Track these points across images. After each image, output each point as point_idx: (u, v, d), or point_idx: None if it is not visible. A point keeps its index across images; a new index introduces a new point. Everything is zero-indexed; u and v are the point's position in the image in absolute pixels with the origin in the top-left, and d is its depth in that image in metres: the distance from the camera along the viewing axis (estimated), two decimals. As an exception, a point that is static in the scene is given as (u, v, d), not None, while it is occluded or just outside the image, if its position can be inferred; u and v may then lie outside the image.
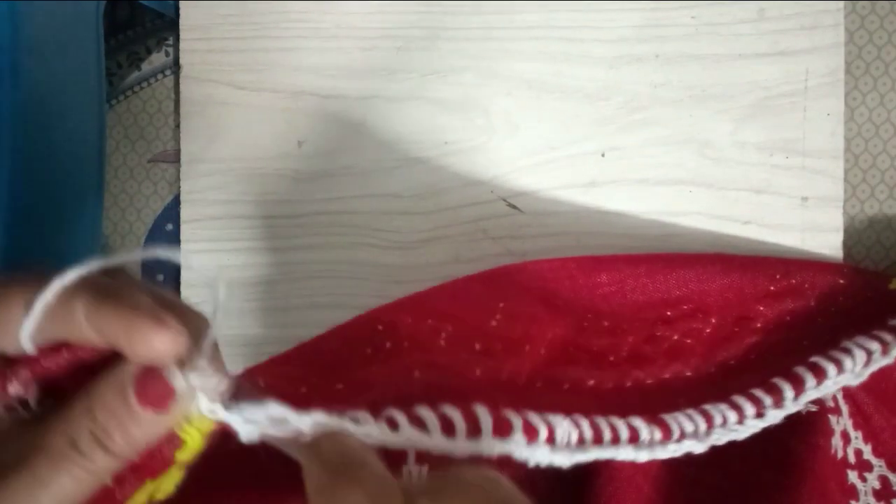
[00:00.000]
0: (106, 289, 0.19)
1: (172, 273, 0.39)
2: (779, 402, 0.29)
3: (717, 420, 0.29)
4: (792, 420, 0.31)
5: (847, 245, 0.37)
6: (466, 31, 0.37)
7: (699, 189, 0.37)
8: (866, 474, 0.33)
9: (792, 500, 0.30)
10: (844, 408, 0.33)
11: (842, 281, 0.34)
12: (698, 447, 0.28)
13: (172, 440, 0.20)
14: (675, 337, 0.33)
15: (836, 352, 0.31)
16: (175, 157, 0.39)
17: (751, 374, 0.31)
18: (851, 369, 0.30)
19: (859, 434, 0.33)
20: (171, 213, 0.39)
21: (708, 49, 0.37)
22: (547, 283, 0.34)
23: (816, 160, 0.37)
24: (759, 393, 0.29)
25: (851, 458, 0.33)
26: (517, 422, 0.24)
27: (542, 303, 0.33)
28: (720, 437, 0.29)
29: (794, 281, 0.34)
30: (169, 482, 0.22)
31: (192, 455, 0.21)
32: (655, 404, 0.29)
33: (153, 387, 0.19)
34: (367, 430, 0.20)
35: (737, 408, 0.29)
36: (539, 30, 0.37)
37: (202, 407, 0.19)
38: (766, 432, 0.31)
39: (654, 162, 0.37)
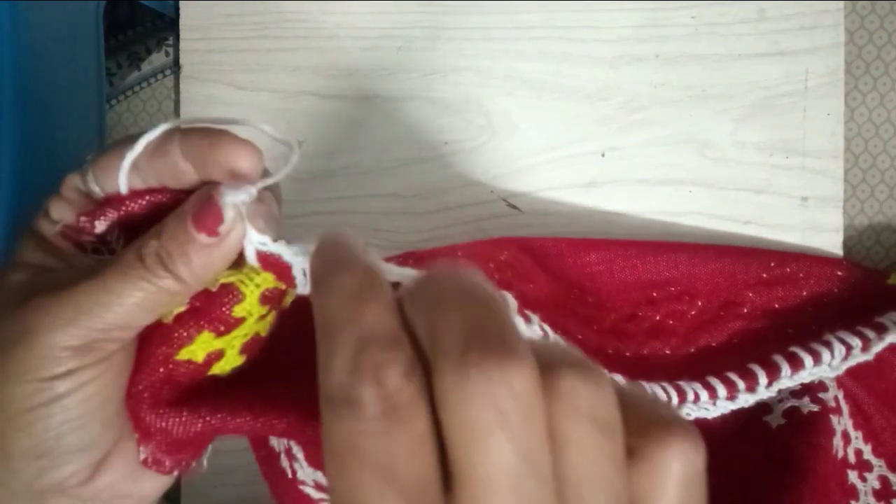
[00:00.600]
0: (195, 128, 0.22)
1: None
2: (752, 387, 0.30)
3: (690, 396, 0.29)
4: (794, 420, 0.31)
5: (847, 245, 0.37)
6: (466, 31, 0.37)
7: (699, 189, 0.37)
8: (866, 474, 0.33)
9: (792, 500, 0.30)
10: (845, 408, 0.33)
11: (840, 273, 0.34)
12: None
13: (231, 293, 0.22)
14: (657, 317, 0.34)
15: (816, 344, 0.31)
16: (175, 157, 0.39)
17: (729, 358, 0.32)
18: (829, 362, 0.31)
19: (859, 434, 0.33)
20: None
21: (708, 49, 0.37)
22: (536, 256, 0.34)
23: (816, 160, 0.37)
24: (733, 376, 0.30)
25: (852, 458, 0.33)
26: (525, 327, 0.26)
27: (537, 265, 0.33)
28: (690, 413, 0.29)
29: (788, 270, 0.34)
30: (228, 360, 0.23)
31: (252, 327, 0.23)
32: (633, 372, 0.30)
33: (207, 211, 0.21)
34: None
35: (710, 388, 0.30)
36: (539, 30, 0.37)
37: (251, 238, 0.21)
38: (767, 432, 0.32)
39: (654, 162, 0.37)
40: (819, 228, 0.36)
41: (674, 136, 0.37)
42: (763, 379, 0.30)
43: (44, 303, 0.20)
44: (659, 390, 0.29)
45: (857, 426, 0.33)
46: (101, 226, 0.22)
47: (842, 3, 0.36)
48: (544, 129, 0.37)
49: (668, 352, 0.33)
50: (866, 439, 0.33)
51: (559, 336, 0.30)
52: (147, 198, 0.22)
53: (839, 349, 0.31)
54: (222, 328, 0.22)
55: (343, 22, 0.38)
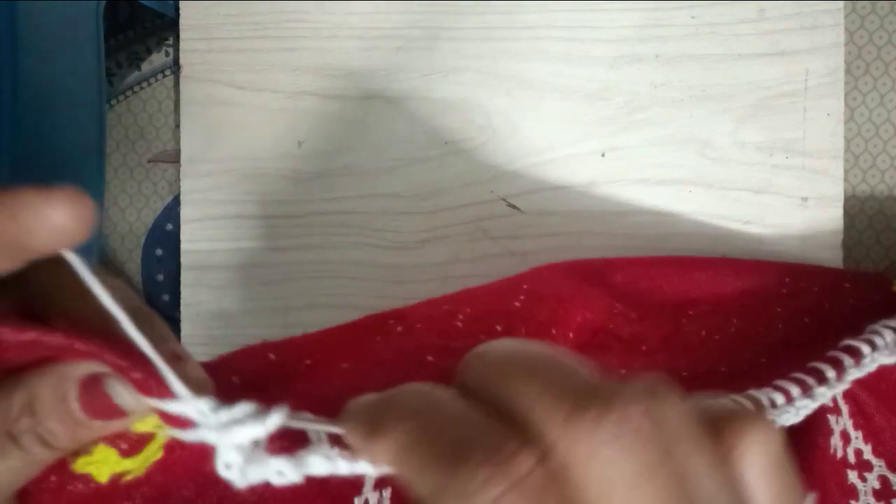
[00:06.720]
0: None
1: (172, 273, 0.39)
2: (822, 380, 0.29)
3: (765, 401, 0.28)
4: (791, 419, 0.31)
5: (847, 245, 0.37)
6: (466, 31, 0.37)
7: (699, 189, 0.37)
8: (866, 474, 0.33)
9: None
10: (844, 408, 0.33)
11: (847, 284, 0.34)
12: None
13: (143, 437, 0.19)
14: (703, 332, 0.33)
15: (863, 335, 0.31)
16: (175, 157, 0.39)
17: (784, 368, 0.31)
18: (884, 346, 0.30)
19: (859, 434, 0.33)
20: (171, 213, 0.39)
21: (708, 49, 0.37)
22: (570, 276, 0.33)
23: (816, 160, 0.37)
24: (800, 375, 0.29)
25: (851, 458, 0.33)
26: None
27: (573, 285, 0.32)
28: (774, 419, 0.28)
29: (803, 284, 0.34)
30: (139, 463, 0.20)
31: (162, 446, 0.20)
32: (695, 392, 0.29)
33: (100, 400, 0.17)
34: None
35: (782, 390, 0.29)
36: (539, 30, 0.37)
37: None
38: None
39: (654, 162, 0.37)
40: (819, 228, 0.36)
41: (674, 136, 0.37)
42: (830, 372, 0.30)
43: None
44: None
45: (856, 426, 0.33)
46: None
47: (842, 3, 0.36)
48: (544, 129, 0.37)
49: (723, 369, 0.32)
50: (866, 439, 0.33)
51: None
52: (28, 335, 0.17)
53: (888, 332, 0.31)
54: (125, 446, 0.19)
55: (343, 22, 0.38)
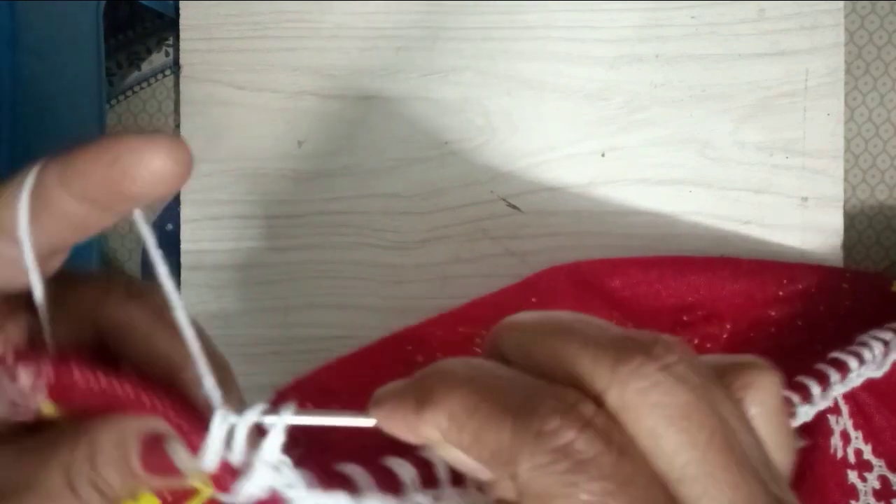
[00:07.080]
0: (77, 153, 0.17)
1: (172, 273, 0.39)
2: (807, 397, 0.30)
3: None
4: (790, 420, 0.31)
5: (847, 245, 0.37)
6: (466, 31, 0.37)
7: (699, 189, 0.37)
8: (866, 474, 0.33)
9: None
10: (844, 408, 0.33)
11: (845, 285, 0.34)
12: None
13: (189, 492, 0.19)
14: (696, 341, 0.33)
15: (853, 347, 0.31)
16: (175, 157, 0.39)
17: None
18: (872, 360, 0.30)
19: (859, 434, 0.33)
20: (171, 213, 0.39)
21: (708, 49, 0.37)
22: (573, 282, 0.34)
23: (816, 160, 0.37)
24: (785, 393, 0.30)
25: (851, 458, 0.33)
26: None
27: (573, 296, 0.33)
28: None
29: (800, 286, 0.34)
30: None
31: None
32: None
33: (159, 459, 0.17)
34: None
35: None
36: (539, 30, 0.37)
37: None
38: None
39: (654, 162, 0.37)
40: (819, 228, 0.36)
41: (674, 136, 0.37)
42: (816, 388, 0.30)
43: None
44: None
45: (857, 426, 0.33)
46: (21, 386, 0.17)
47: (842, 3, 0.36)
48: (544, 129, 0.37)
49: None
50: (866, 439, 0.33)
51: None
52: (96, 380, 0.17)
53: (877, 345, 0.31)
54: (170, 498, 0.19)
55: (343, 22, 0.38)
